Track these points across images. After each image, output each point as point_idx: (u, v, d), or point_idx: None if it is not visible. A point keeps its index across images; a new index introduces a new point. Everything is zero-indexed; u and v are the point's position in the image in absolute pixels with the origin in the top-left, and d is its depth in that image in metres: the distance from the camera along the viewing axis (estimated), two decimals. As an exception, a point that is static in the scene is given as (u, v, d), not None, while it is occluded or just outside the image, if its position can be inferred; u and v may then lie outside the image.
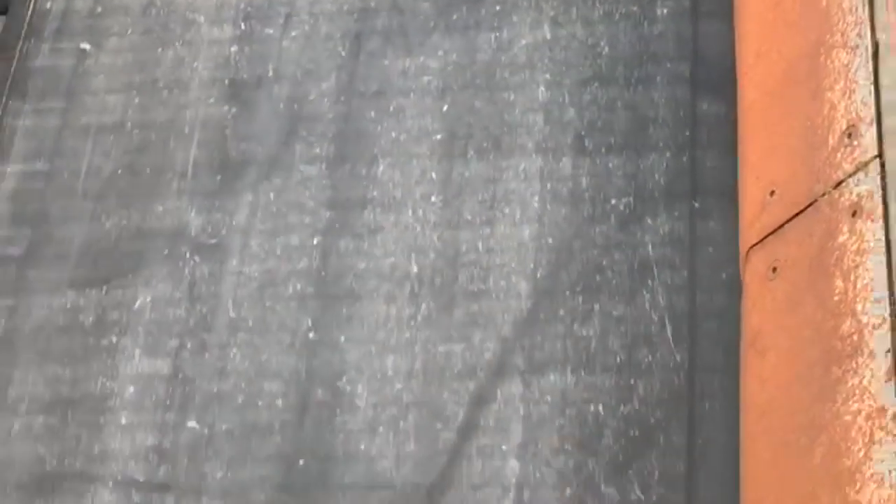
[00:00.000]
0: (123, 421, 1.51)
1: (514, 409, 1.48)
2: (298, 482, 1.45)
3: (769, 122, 1.05)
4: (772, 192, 0.96)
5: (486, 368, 1.48)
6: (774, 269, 0.94)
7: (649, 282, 1.45)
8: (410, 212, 1.68)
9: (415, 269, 1.61)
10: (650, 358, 1.43)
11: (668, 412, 1.33)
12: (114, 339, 1.51)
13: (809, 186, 0.89)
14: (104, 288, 1.58)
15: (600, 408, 1.43)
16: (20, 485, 1.52)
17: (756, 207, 1.01)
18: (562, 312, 1.49)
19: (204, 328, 1.59)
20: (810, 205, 0.90)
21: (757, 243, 0.98)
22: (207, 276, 1.62)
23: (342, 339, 1.59)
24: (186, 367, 1.50)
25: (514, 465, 1.43)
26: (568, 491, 1.38)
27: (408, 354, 1.57)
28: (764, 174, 0.98)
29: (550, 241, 1.56)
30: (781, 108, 0.98)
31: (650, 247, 1.45)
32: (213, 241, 1.65)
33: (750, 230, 1.02)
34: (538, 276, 1.56)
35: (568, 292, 1.51)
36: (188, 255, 1.63)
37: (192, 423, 1.43)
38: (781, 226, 0.95)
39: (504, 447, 1.45)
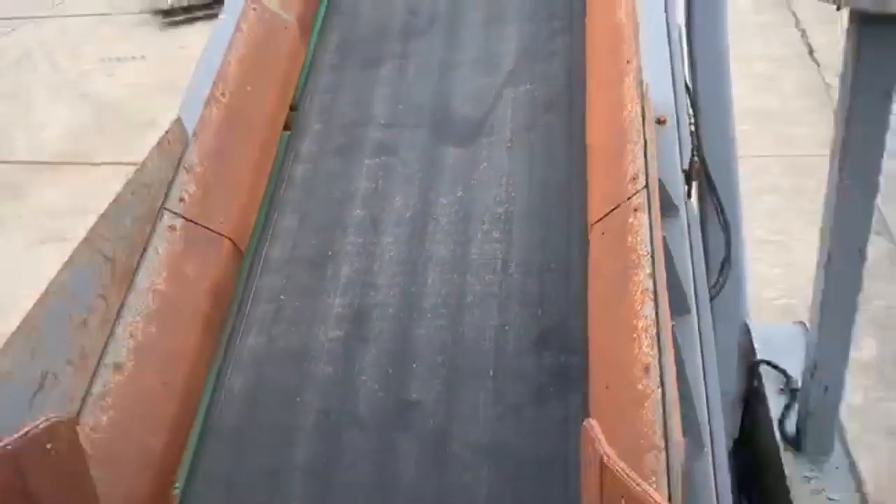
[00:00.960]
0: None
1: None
2: None
3: (602, 169, 1.79)
4: (602, 199, 1.69)
5: None
6: (603, 233, 1.63)
7: None
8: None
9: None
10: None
11: None
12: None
13: (619, 198, 1.61)
14: None
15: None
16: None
17: (596, 205, 1.71)
18: None
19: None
20: (619, 205, 1.61)
21: (597, 221, 1.66)
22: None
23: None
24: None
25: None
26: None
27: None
28: (598, 190, 1.75)
29: None
30: (608, 164, 1.78)
31: None
32: None
33: (594, 215, 1.70)
34: None
35: None
36: None
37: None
38: (607, 213, 1.65)
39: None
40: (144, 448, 1.48)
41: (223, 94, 2.03)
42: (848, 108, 1.21)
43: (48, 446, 1.08)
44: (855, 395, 3.83)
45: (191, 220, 1.82)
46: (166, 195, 1.80)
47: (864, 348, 4.53)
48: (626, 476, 0.95)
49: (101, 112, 7.52)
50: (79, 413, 1.43)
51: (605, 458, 0.99)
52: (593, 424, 1.05)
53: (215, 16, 2.25)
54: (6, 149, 7.22)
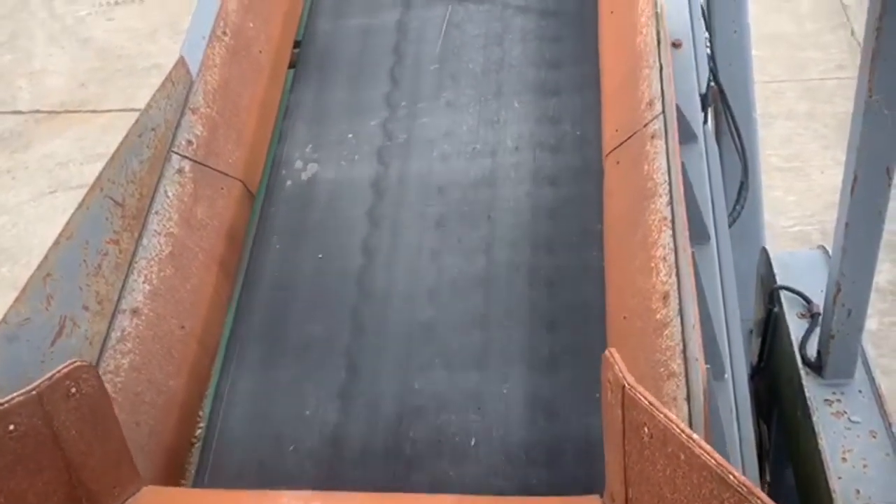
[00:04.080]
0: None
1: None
2: None
3: (616, 97, 1.73)
4: (616, 130, 1.65)
5: None
6: (618, 162, 1.60)
7: None
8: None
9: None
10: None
11: None
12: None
13: (634, 126, 1.57)
14: None
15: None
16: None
17: (611, 135, 1.67)
18: None
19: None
20: (635, 133, 1.57)
21: (611, 151, 1.64)
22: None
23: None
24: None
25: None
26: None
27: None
28: (612, 121, 1.70)
29: None
30: (622, 92, 1.70)
31: None
32: None
33: (608, 145, 1.67)
34: None
35: None
36: None
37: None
38: (622, 143, 1.62)
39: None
40: (166, 390, 1.49)
41: (225, 33, 1.98)
42: (878, 17, 1.16)
43: (72, 390, 1.09)
44: (870, 321, 3.82)
45: (199, 163, 1.79)
46: (173, 137, 1.77)
47: (880, 272, 4.50)
48: (648, 404, 0.95)
49: (103, 57, 7.42)
50: (99, 357, 1.44)
51: (628, 386, 0.99)
52: (613, 353, 1.04)
53: (213, -48, 2.17)
54: (9, 98, 7.16)
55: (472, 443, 1.36)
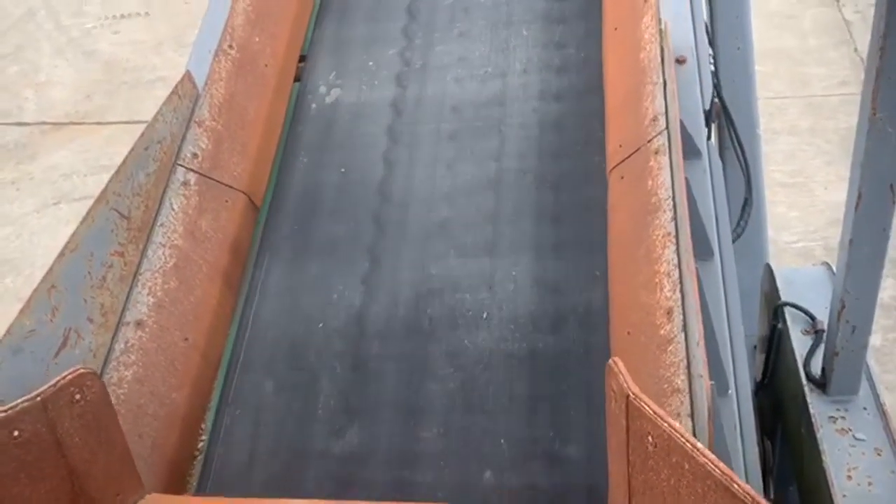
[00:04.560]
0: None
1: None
2: None
3: (620, 113, 1.72)
4: (620, 145, 1.65)
5: None
6: (622, 177, 1.60)
7: None
8: None
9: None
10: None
11: None
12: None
13: (638, 141, 1.58)
14: None
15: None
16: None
17: (614, 150, 1.67)
18: None
19: None
20: (639, 148, 1.58)
21: (615, 166, 1.64)
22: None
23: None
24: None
25: None
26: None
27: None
28: (616, 136, 1.70)
29: None
30: (625, 107, 1.70)
31: None
32: None
33: (612, 160, 1.67)
34: None
35: None
36: None
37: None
38: (626, 158, 1.61)
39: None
40: (168, 402, 1.49)
41: (231, 47, 1.99)
42: (882, 37, 1.17)
43: (76, 397, 1.09)
44: (874, 337, 3.80)
45: (205, 175, 1.80)
46: (179, 150, 1.78)
47: (884, 288, 4.49)
48: (653, 413, 0.94)
49: (109, 70, 7.45)
50: (103, 369, 1.44)
51: (632, 395, 0.98)
52: (618, 362, 1.03)
53: (219, -31, 2.19)
54: (15, 109, 7.19)
55: (485, 316, 1.51)
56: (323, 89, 1.98)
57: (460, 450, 1.36)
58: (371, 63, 2.00)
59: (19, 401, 1.04)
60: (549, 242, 1.61)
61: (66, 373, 1.10)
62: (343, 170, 1.80)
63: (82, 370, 1.12)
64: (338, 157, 1.82)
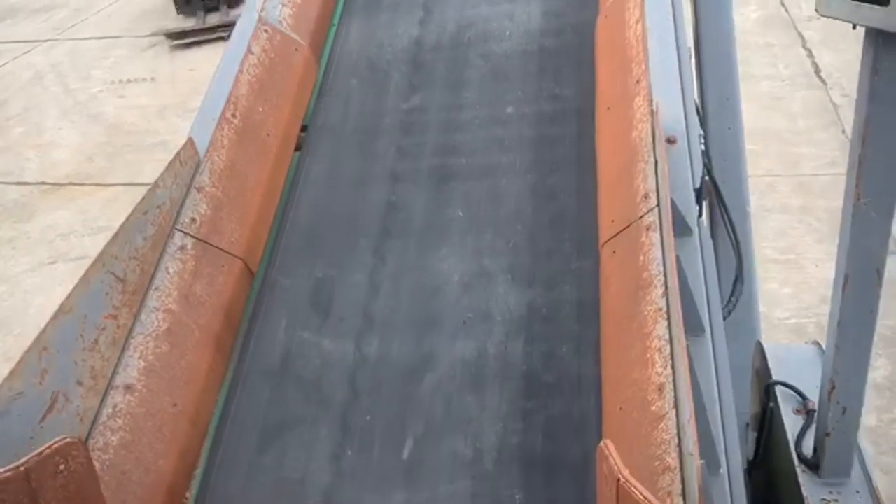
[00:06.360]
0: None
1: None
2: None
3: (612, 189, 1.82)
4: (612, 220, 1.69)
5: None
6: (614, 252, 1.63)
7: None
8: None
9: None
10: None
11: None
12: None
13: (629, 217, 1.61)
14: None
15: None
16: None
17: (607, 225, 1.71)
18: None
19: None
20: (630, 224, 1.61)
21: (607, 240, 1.67)
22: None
23: None
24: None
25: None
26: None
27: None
28: (609, 211, 1.75)
29: None
30: (618, 184, 1.82)
31: None
32: None
33: (604, 234, 1.69)
34: None
35: None
36: None
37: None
38: (618, 233, 1.66)
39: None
40: (155, 470, 1.47)
41: (234, 115, 2.04)
42: (864, 126, 1.21)
43: (61, 467, 1.08)
44: (868, 417, 3.78)
45: (202, 241, 1.82)
46: (178, 215, 1.80)
47: (876, 368, 4.49)
48: (643, 498, 0.94)
49: (112, 133, 7.57)
50: (89, 434, 1.42)
51: (622, 479, 0.98)
52: (609, 444, 1.03)
53: (224, 39, 2.30)
54: (17, 169, 7.26)
55: (507, 34, 2.29)
56: (347, 19, 2.48)
57: (492, 102, 2.13)
58: None
59: (2, 470, 1.03)
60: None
61: (51, 442, 1.09)
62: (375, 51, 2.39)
63: (68, 439, 1.11)
64: (375, 34, 2.43)
